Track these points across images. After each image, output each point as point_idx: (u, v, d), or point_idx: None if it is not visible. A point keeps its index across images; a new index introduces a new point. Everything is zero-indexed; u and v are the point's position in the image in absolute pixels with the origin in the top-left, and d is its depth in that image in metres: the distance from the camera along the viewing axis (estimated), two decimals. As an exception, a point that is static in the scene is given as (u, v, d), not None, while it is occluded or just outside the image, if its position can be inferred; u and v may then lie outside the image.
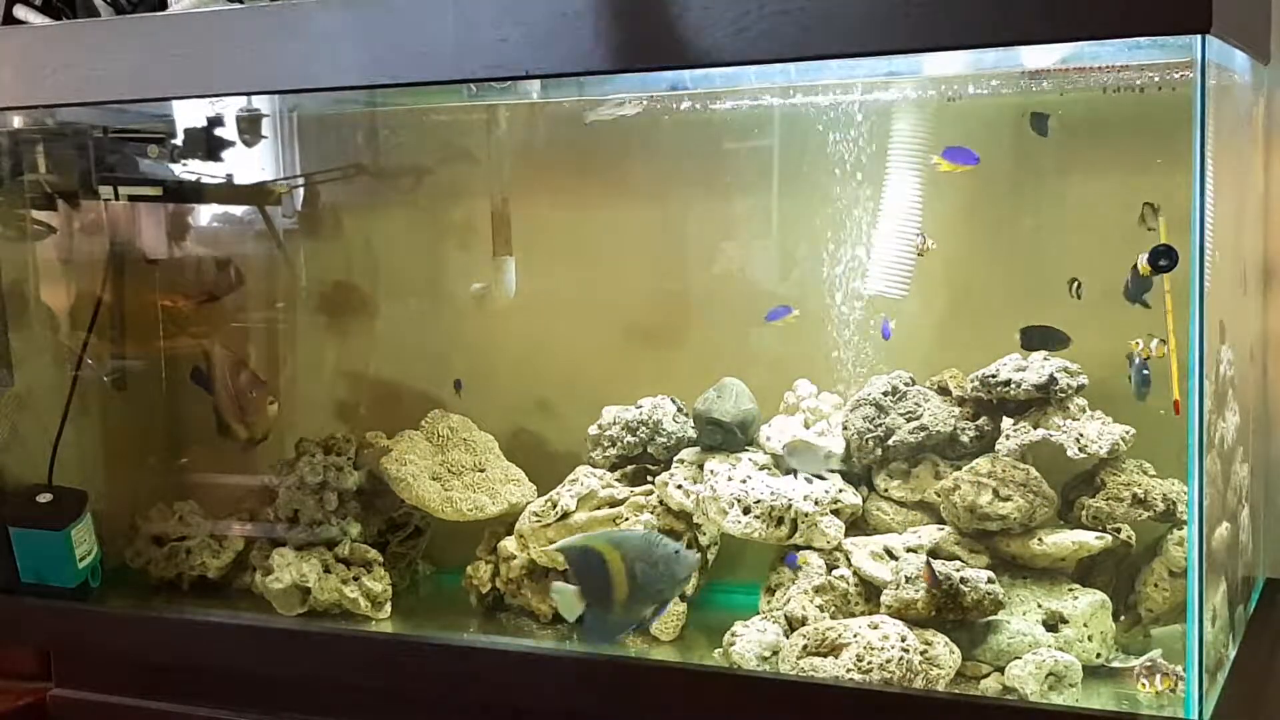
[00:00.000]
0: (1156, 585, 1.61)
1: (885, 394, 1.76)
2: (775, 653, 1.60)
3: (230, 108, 2.01)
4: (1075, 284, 1.65)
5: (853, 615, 1.62)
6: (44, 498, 1.98)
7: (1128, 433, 1.63)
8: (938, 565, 1.56)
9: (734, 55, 1.39)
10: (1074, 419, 1.65)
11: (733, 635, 1.63)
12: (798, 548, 1.71)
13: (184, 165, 2.08)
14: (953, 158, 1.63)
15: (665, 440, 1.84)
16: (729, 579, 1.86)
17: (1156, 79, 1.62)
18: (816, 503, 1.70)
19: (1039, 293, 1.75)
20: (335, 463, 1.95)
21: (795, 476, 1.72)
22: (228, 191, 2.14)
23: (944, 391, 1.78)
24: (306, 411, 2.19)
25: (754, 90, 1.85)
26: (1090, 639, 1.56)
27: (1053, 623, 1.57)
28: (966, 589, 1.54)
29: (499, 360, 2.07)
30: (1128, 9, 1.26)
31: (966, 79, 1.74)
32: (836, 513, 1.72)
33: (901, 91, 1.77)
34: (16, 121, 1.99)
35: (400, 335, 2.13)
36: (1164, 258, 1.49)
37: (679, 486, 1.77)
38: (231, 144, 2.05)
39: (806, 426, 1.81)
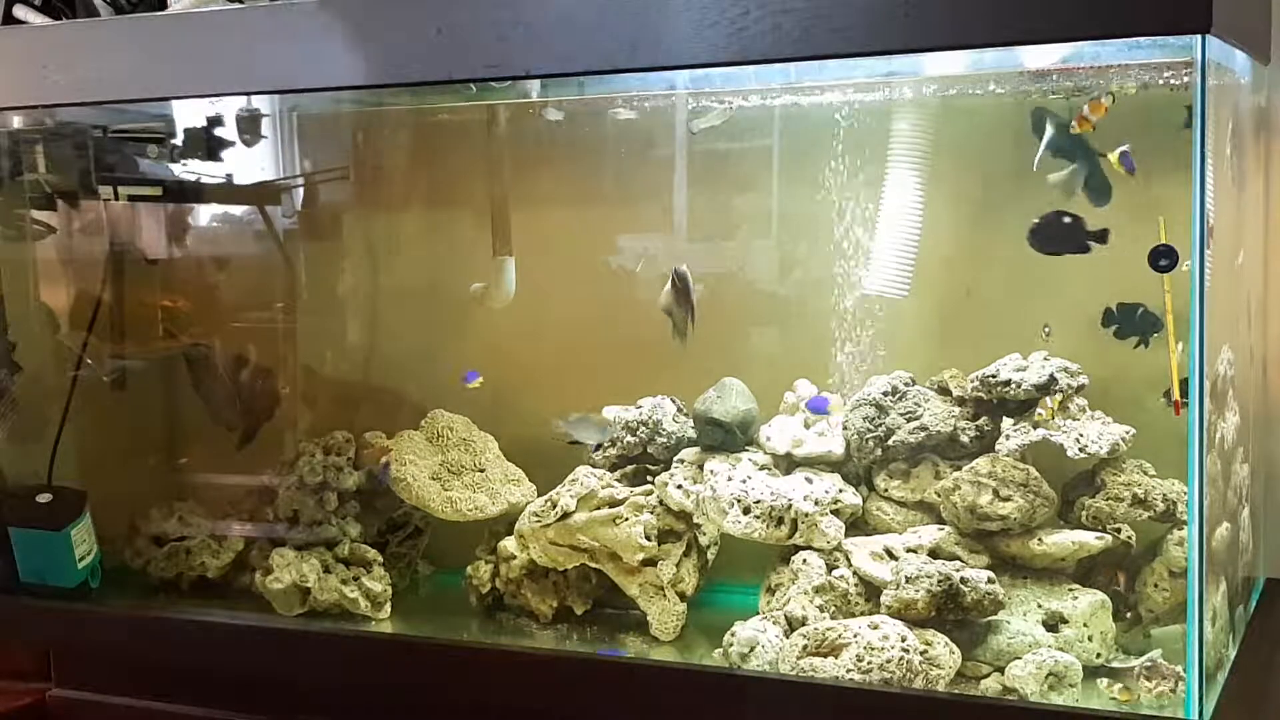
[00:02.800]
0: (1156, 585, 1.61)
1: (885, 394, 1.76)
2: (752, 648, 1.60)
3: (230, 108, 2.01)
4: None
5: (853, 615, 1.62)
6: (44, 498, 1.98)
7: (1128, 433, 1.63)
8: (937, 562, 1.57)
9: (734, 55, 1.39)
10: (1074, 419, 1.65)
11: (732, 635, 1.63)
12: (799, 548, 1.71)
13: (184, 165, 2.08)
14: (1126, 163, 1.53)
15: (665, 440, 1.84)
16: (729, 579, 1.86)
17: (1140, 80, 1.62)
18: (817, 503, 1.70)
19: (1038, 294, 1.75)
20: (335, 463, 1.95)
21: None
22: (228, 191, 2.14)
23: (944, 391, 1.78)
24: (307, 409, 2.19)
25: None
26: (1090, 639, 1.56)
27: (1053, 623, 1.57)
28: (966, 589, 1.54)
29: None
30: (1128, 9, 1.26)
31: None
32: (836, 513, 1.71)
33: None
34: (16, 121, 1.99)
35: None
36: (1164, 258, 1.49)
37: (679, 486, 1.77)
38: (231, 144, 2.05)
39: (806, 426, 1.81)
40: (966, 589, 1.54)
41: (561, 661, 1.67)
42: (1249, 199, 1.73)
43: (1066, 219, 1.61)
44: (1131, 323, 1.62)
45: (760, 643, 1.59)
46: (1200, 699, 1.41)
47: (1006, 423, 1.70)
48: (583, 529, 1.77)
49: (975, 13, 1.30)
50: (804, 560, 1.69)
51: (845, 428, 1.78)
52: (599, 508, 1.78)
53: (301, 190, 2.17)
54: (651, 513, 1.77)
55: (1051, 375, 1.66)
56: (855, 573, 1.66)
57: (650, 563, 1.76)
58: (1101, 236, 1.59)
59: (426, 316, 2.13)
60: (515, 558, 1.84)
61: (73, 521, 1.94)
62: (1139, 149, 1.55)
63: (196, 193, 2.14)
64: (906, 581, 1.57)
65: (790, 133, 1.87)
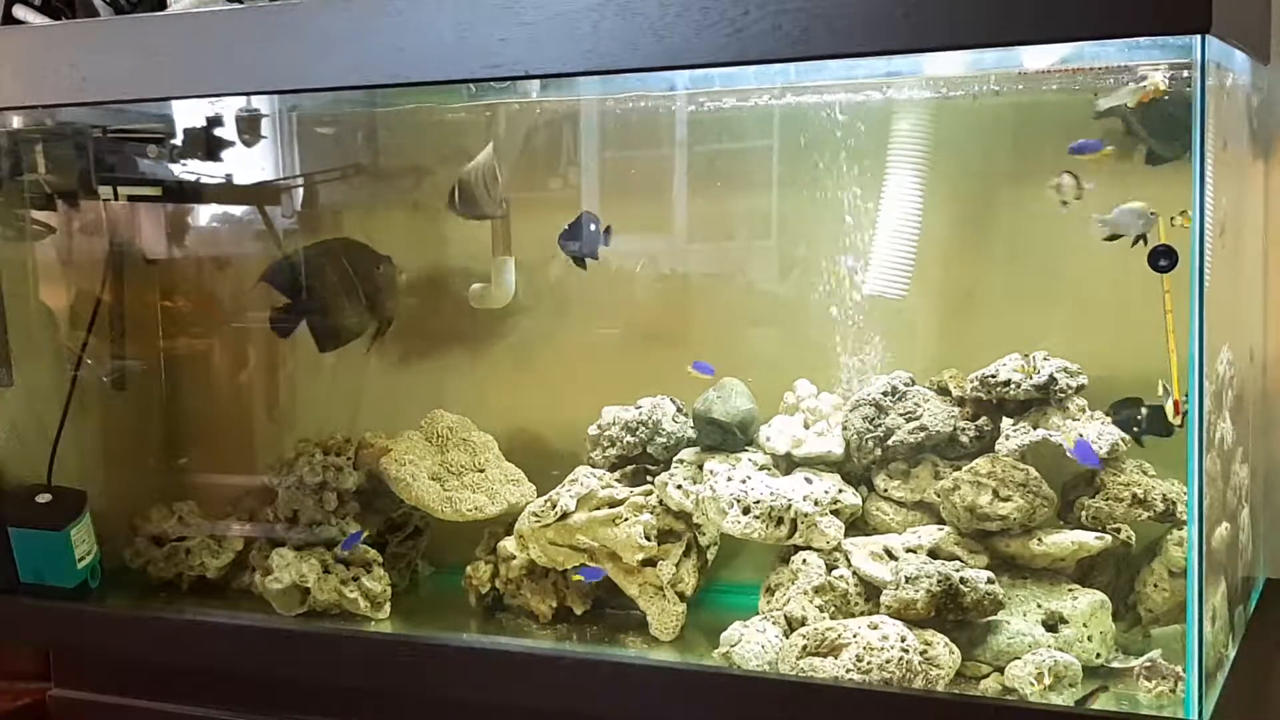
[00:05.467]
0: (1156, 585, 1.61)
1: (885, 394, 1.76)
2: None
3: (230, 107, 2.01)
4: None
5: (852, 615, 1.62)
6: (43, 498, 1.98)
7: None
8: (937, 562, 1.57)
9: (734, 55, 1.39)
10: (1074, 419, 1.65)
11: (741, 630, 1.63)
12: (798, 548, 1.71)
13: (183, 165, 2.08)
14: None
15: (665, 440, 1.84)
16: (729, 579, 1.86)
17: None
18: (816, 503, 1.70)
19: (1037, 293, 1.75)
20: (334, 463, 1.95)
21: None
22: (227, 191, 2.14)
23: (944, 391, 1.78)
24: (306, 410, 2.20)
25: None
26: (1090, 639, 1.56)
27: (1053, 623, 1.57)
28: (966, 589, 1.54)
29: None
30: (1128, 9, 1.26)
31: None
32: (836, 513, 1.72)
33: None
34: (16, 121, 1.99)
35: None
36: (1164, 258, 1.49)
37: (678, 487, 1.77)
38: (231, 144, 2.05)
39: (806, 426, 1.81)
40: (966, 589, 1.54)
41: (561, 662, 1.67)
42: (1249, 198, 1.73)
43: (592, 225, 1.86)
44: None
45: (744, 638, 1.60)
46: (1200, 699, 1.41)
47: (1006, 423, 1.70)
48: (582, 529, 1.77)
49: (975, 13, 1.30)
50: (804, 560, 1.69)
51: (845, 428, 1.78)
52: (599, 508, 1.78)
53: (301, 190, 2.17)
54: (651, 513, 1.77)
55: (1051, 375, 1.66)
56: (855, 573, 1.66)
57: (650, 563, 1.76)
58: (605, 238, 1.86)
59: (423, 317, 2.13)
60: (515, 558, 1.84)
61: (73, 521, 1.94)
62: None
63: (196, 193, 2.14)
64: (906, 581, 1.57)
65: (788, 133, 1.87)
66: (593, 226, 1.85)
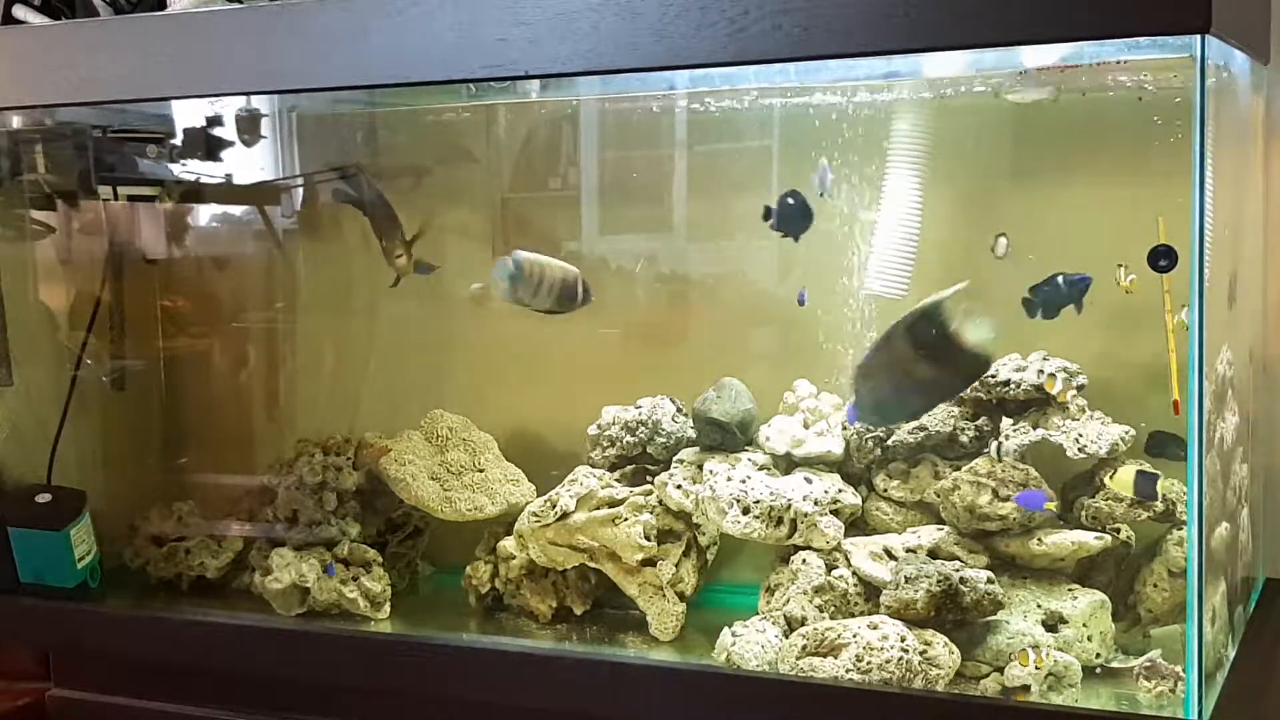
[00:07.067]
0: (1156, 585, 1.61)
1: (885, 394, 1.76)
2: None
3: (230, 107, 2.01)
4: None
5: (852, 615, 1.62)
6: (43, 498, 1.98)
7: (1127, 433, 1.63)
8: (937, 562, 1.57)
9: (734, 55, 1.39)
10: (1074, 419, 1.65)
11: (733, 635, 1.63)
12: (798, 548, 1.71)
13: (183, 165, 2.08)
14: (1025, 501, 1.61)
15: (665, 440, 1.84)
16: (729, 579, 1.86)
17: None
18: (816, 503, 1.70)
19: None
20: (334, 463, 1.95)
21: None
22: (227, 191, 2.14)
23: (944, 391, 1.77)
24: (306, 410, 2.19)
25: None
26: (1090, 639, 1.56)
27: (1052, 623, 1.57)
28: (966, 589, 1.54)
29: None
30: (1127, 9, 1.26)
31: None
32: (836, 513, 1.72)
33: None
34: (16, 121, 1.99)
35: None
36: (1164, 258, 1.49)
37: (678, 487, 1.77)
38: (230, 143, 2.05)
39: (806, 426, 1.81)
40: (966, 589, 1.54)
41: (560, 662, 1.67)
42: (1248, 199, 1.73)
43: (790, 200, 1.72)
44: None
45: (738, 641, 1.60)
46: (1200, 699, 1.41)
47: (1006, 423, 1.70)
48: (582, 529, 1.77)
49: (975, 13, 1.30)
50: (803, 560, 1.69)
51: (845, 428, 1.78)
52: (598, 508, 1.78)
53: (301, 189, 2.17)
54: (651, 513, 1.77)
55: (1051, 376, 1.66)
56: (855, 573, 1.66)
57: (649, 563, 1.76)
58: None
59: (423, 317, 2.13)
60: (514, 558, 1.84)
61: (72, 521, 1.94)
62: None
63: (196, 193, 2.14)
64: (906, 581, 1.57)
65: (784, 133, 1.87)
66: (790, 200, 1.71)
